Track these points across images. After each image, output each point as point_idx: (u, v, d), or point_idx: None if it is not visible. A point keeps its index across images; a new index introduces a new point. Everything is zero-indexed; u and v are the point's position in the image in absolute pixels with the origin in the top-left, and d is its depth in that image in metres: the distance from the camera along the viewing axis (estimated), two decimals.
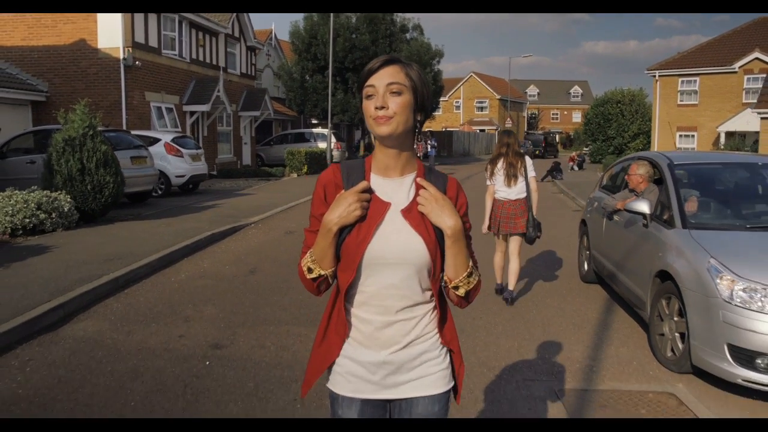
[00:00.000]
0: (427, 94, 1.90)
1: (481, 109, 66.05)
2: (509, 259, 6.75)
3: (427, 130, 40.36)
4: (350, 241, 1.84)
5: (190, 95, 21.78)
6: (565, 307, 6.64)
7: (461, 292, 1.89)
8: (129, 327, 5.63)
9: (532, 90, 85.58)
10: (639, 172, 6.35)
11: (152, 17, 19.48)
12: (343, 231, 1.84)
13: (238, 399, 4.16)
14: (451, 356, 2.00)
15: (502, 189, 6.49)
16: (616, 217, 6.58)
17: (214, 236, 9.96)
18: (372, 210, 1.86)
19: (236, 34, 26.05)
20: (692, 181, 6.03)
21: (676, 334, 4.83)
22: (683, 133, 33.10)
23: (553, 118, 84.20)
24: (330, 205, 1.86)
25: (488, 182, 6.65)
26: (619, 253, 6.34)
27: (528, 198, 6.47)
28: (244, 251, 9.21)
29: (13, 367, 4.66)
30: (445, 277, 1.92)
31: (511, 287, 6.70)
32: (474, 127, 61.96)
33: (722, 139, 29.66)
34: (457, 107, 66.83)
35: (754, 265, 4.40)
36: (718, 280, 4.37)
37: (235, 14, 25.40)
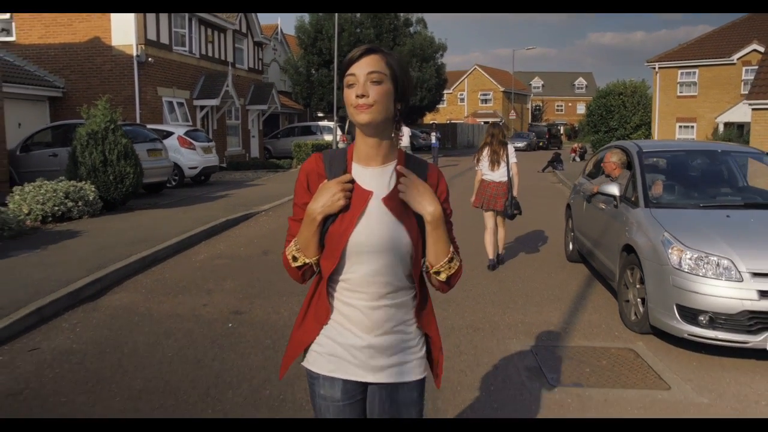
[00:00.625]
0: (407, 84, 1.94)
1: (485, 101, 66.62)
2: (498, 227, 7.97)
3: (431, 122, 41.00)
4: (334, 230, 1.89)
5: (200, 90, 22.52)
6: (549, 281, 7.35)
7: (442, 277, 1.94)
8: (159, 298, 6.39)
9: (537, 82, 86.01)
10: (612, 159, 7.05)
11: (163, 15, 20.20)
12: (327, 220, 1.89)
13: (258, 352, 4.91)
14: (428, 342, 2.06)
15: (487, 172, 7.53)
16: (593, 200, 7.29)
17: (228, 222, 10.70)
18: (354, 199, 1.90)
19: (244, 30, 26.76)
20: (659, 166, 6.73)
21: (638, 300, 5.55)
22: (683, 124, 33.66)
23: (557, 110, 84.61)
24: (313, 194, 1.92)
25: (476, 167, 7.61)
26: (596, 232, 7.05)
27: (510, 181, 7.36)
28: (257, 235, 9.96)
29: (65, 328, 5.42)
30: (426, 263, 1.97)
31: (500, 251, 8.06)
32: (478, 120, 62.57)
33: (721, 130, 30.22)
34: (462, 100, 67.41)
35: (701, 237, 5.10)
36: (669, 250, 5.08)
37: None
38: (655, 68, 33.96)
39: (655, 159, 6.86)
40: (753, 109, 18.68)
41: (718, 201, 6.00)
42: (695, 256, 4.94)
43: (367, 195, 1.91)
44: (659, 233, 5.30)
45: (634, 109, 44.92)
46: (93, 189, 10.77)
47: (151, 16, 19.50)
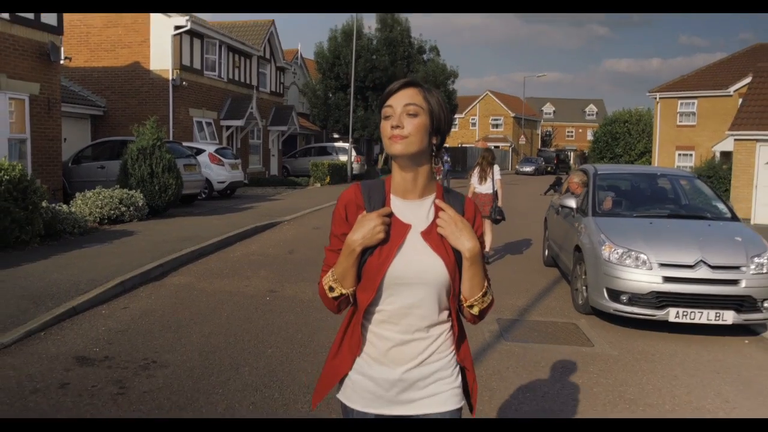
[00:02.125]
0: (444, 119, 1.96)
1: (496, 126, 68.41)
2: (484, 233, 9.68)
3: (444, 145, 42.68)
4: (372, 262, 1.89)
5: (226, 111, 24.42)
6: (523, 278, 8.98)
7: (475, 310, 1.96)
8: (209, 280, 8.08)
9: (548, 108, 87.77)
10: (575, 180, 8.72)
11: (197, 42, 22.18)
12: (365, 252, 1.89)
13: (290, 315, 6.57)
14: (464, 373, 2.06)
15: (477, 185, 9.27)
16: (560, 213, 8.93)
17: (257, 228, 12.42)
18: (393, 232, 1.91)
19: (267, 56, 28.74)
20: (611, 185, 8.39)
21: (583, 287, 7.16)
22: (682, 152, 35.18)
23: (568, 136, 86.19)
24: (351, 224, 1.93)
25: (470, 181, 9.41)
26: (560, 238, 8.69)
27: (495, 193, 9.11)
28: (282, 239, 11.66)
29: (143, 296, 7.13)
30: (461, 297, 1.97)
31: (486, 250, 9.67)
32: (489, 144, 64.30)
33: (717, 158, 31.71)
34: (473, 124, 69.26)
35: (627, 237, 6.74)
36: (603, 247, 6.71)
37: (266, 38, 28.11)
38: (656, 98, 35.56)
39: (610, 180, 8.53)
40: (735, 140, 20.26)
41: (647, 212, 7.62)
42: (621, 251, 6.57)
43: (405, 228, 1.92)
44: (598, 235, 6.94)
45: (639, 137, 46.63)
46: (141, 197, 12.53)
47: (186, 44, 21.46)
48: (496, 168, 9.60)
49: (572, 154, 74.32)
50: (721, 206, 7.76)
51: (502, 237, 11.94)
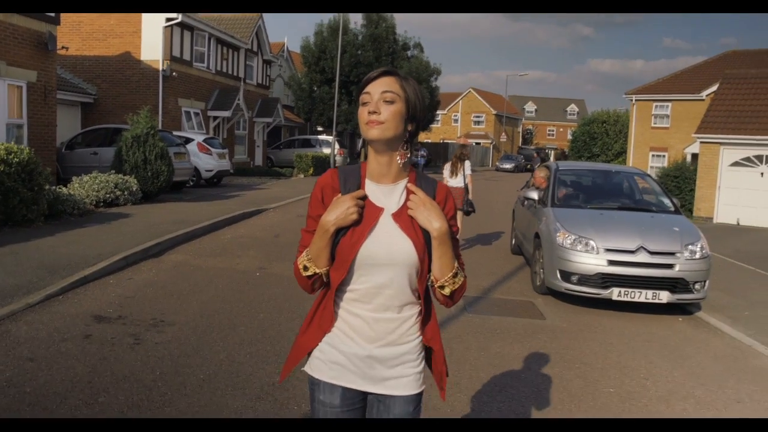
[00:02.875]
0: (419, 107, 2.02)
1: (478, 123, 69.42)
2: None
3: (423, 141, 43.61)
4: (344, 242, 1.96)
5: (214, 102, 25.05)
6: (490, 264, 9.83)
7: (447, 291, 2.01)
8: (203, 258, 8.84)
9: (530, 106, 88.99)
10: (540, 175, 9.58)
11: (187, 34, 22.78)
12: (339, 233, 1.96)
13: (279, 288, 7.35)
14: (431, 355, 2.12)
15: (449, 179, 10.00)
16: (525, 205, 9.79)
17: (244, 214, 13.16)
18: (366, 214, 1.98)
19: (255, 48, 29.37)
20: (573, 180, 9.27)
21: (540, 270, 8.02)
22: (655, 153, 36.33)
23: (549, 135, 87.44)
24: (327, 206, 1.99)
25: (443, 174, 10.19)
26: (524, 227, 9.56)
27: (466, 187, 9.87)
28: (268, 224, 12.43)
29: (144, 270, 7.88)
30: (431, 277, 2.02)
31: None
32: (470, 140, 65.29)
33: (688, 159, 32.87)
34: (456, 120, 70.20)
35: (579, 225, 7.60)
36: (557, 234, 7.57)
37: (254, 31, 28.74)
38: (632, 100, 36.67)
39: (569, 176, 9.40)
40: (701, 143, 21.31)
41: (600, 204, 8.51)
42: (573, 237, 7.44)
43: (378, 211, 2.00)
44: (554, 223, 7.80)
45: (616, 137, 47.81)
46: (135, 182, 13.21)
47: (176, 35, 22.06)
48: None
49: (553, 152, 75.65)
50: (666, 201, 8.67)
51: (474, 228, 12.80)
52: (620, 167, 10.25)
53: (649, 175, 9.57)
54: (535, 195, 8.86)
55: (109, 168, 13.76)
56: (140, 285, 7.13)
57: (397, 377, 2.04)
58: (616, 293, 7.13)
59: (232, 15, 29.64)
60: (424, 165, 37.37)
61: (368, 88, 2.01)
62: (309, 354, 2.09)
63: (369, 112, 1.97)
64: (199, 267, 8.26)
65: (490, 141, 66.74)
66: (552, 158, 68.96)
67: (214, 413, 4.01)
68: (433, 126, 58.67)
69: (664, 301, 7.14)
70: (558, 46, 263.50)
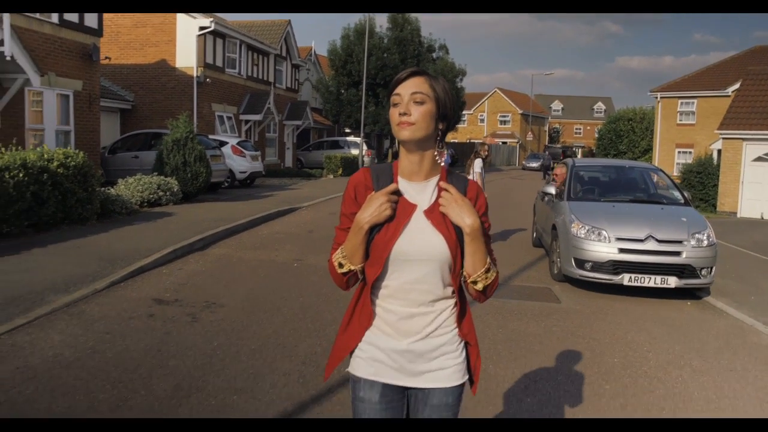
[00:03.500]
0: (450, 106, 2.06)
1: (504, 122, 69.72)
2: None
3: (447, 141, 44.15)
4: (379, 239, 2.00)
5: (245, 106, 25.94)
6: (512, 255, 10.41)
7: (479, 286, 2.04)
8: (244, 251, 9.58)
9: (557, 105, 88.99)
10: (559, 171, 10.14)
11: (219, 42, 23.69)
12: (373, 229, 2.01)
13: (315, 276, 8.03)
14: (467, 349, 2.15)
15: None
16: (545, 200, 10.36)
17: (279, 212, 13.92)
18: (399, 210, 2.01)
19: (283, 53, 30.24)
20: (588, 175, 9.83)
21: (557, 259, 8.60)
22: (681, 149, 36.43)
23: (576, 133, 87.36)
24: (360, 204, 2.04)
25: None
26: (543, 220, 10.13)
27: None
28: (302, 221, 13.16)
29: (192, 261, 8.64)
30: (464, 273, 2.06)
31: None
32: (496, 140, 65.63)
33: (714, 155, 32.95)
34: (482, 120, 70.57)
35: (592, 217, 8.17)
36: (572, 225, 8.15)
37: (283, 37, 29.62)
38: (657, 97, 36.81)
39: (585, 171, 9.97)
40: (723, 138, 21.59)
41: (613, 198, 9.06)
42: (586, 228, 8.01)
43: (411, 208, 2.02)
44: (569, 215, 8.38)
45: (643, 134, 47.80)
46: (176, 183, 14.04)
47: (210, 43, 22.97)
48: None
49: (580, 150, 75.57)
50: (676, 194, 9.19)
51: (499, 225, 13.35)
52: (634, 162, 10.79)
53: (661, 170, 10.09)
54: (552, 189, 9.44)
55: (151, 170, 14.62)
56: (190, 274, 7.88)
57: (437, 369, 2.07)
58: (626, 279, 7.69)
59: (262, 21, 30.56)
60: (451, 164, 37.88)
61: (398, 90, 2.03)
62: (351, 353, 2.13)
63: (400, 114, 2.00)
64: (241, 259, 9.00)
65: (516, 140, 66.99)
66: (579, 156, 68.99)
67: (268, 374, 4.69)
68: (460, 126, 59.13)
69: (672, 285, 7.68)
70: (586, 44, 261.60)
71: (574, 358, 5.53)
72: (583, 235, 7.99)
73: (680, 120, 36.40)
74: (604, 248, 7.80)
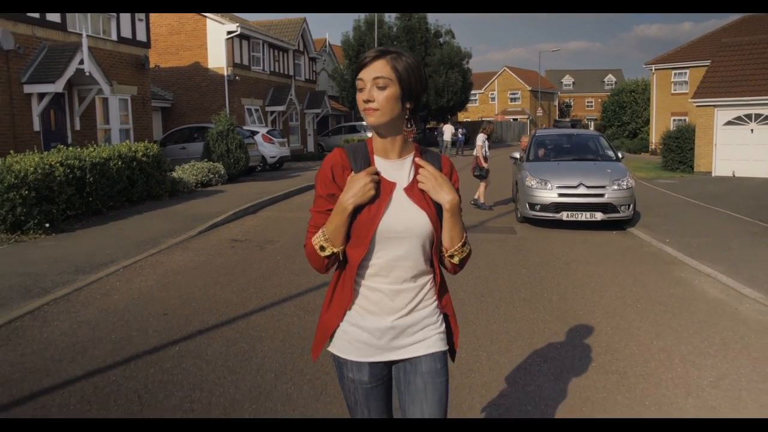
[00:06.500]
0: (415, 83, 2.02)
1: (514, 100, 72.16)
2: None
3: (460, 121, 46.79)
4: (362, 219, 2.01)
5: (270, 99, 28.98)
6: (496, 210, 13.31)
7: (456, 260, 2.12)
8: (284, 213, 12.63)
9: (568, 80, 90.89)
10: (524, 139, 13.03)
11: (245, 43, 26.70)
12: (356, 210, 2.00)
13: None
14: (447, 320, 2.21)
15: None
16: (515, 164, 13.23)
17: (308, 186, 16.97)
18: (380, 189, 2.04)
19: (301, 48, 33.18)
20: (546, 142, 12.73)
21: (518, 207, 11.50)
22: (676, 117, 38.77)
23: (587, 106, 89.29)
24: (338, 185, 2.04)
25: None
26: (513, 178, 13.03)
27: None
28: None
29: (247, 220, 11.71)
30: (442, 247, 2.11)
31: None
32: (507, 117, 68.14)
33: None
34: (492, 99, 73.07)
35: (542, 172, 11.06)
36: (527, 179, 11.05)
37: (300, 34, 32.55)
38: (652, 70, 39.18)
39: (543, 139, 12.86)
40: (696, 106, 24.14)
41: (560, 158, 11.94)
42: (536, 180, 10.91)
43: (391, 186, 2.06)
44: (526, 172, 11.29)
45: (645, 105, 49.92)
46: (222, 167, 17.12)
47: (237, 45, 25.99)
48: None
49: (592, 123, 77.69)
50: (610, 152, 12.04)
51: (497, 194, 16.26)
52: (581, 131, 13.73)
53: (601, 135, 12.92)
54: (517, 154, 12.36)
55: (200, 158, 17.71)
56: (251, 226, 10.95)
57: (422, 340, 2.12)
58: (564, 215, 10.60)
59: (280, 21, 33.50)
60: (464, 143, 40.51)
61: (361, 75, 2.02)
62: (332, 334, 2.14)
63: (363, 101, 2.00)
64: (285, 217, 12.05)
65: (527, 116, 69.40)
66: (591, 128, 71.16)
67: (312, 275, 7.70)
68: (471, 105, 61.71)
69: (599, 218, 10.57)
70: (601, 15, 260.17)
71: (524, 263, 8.46)
72: (534, 185, 10.89)
73: (674, 90, 38.74)
74: (548, 194, 10.70)
